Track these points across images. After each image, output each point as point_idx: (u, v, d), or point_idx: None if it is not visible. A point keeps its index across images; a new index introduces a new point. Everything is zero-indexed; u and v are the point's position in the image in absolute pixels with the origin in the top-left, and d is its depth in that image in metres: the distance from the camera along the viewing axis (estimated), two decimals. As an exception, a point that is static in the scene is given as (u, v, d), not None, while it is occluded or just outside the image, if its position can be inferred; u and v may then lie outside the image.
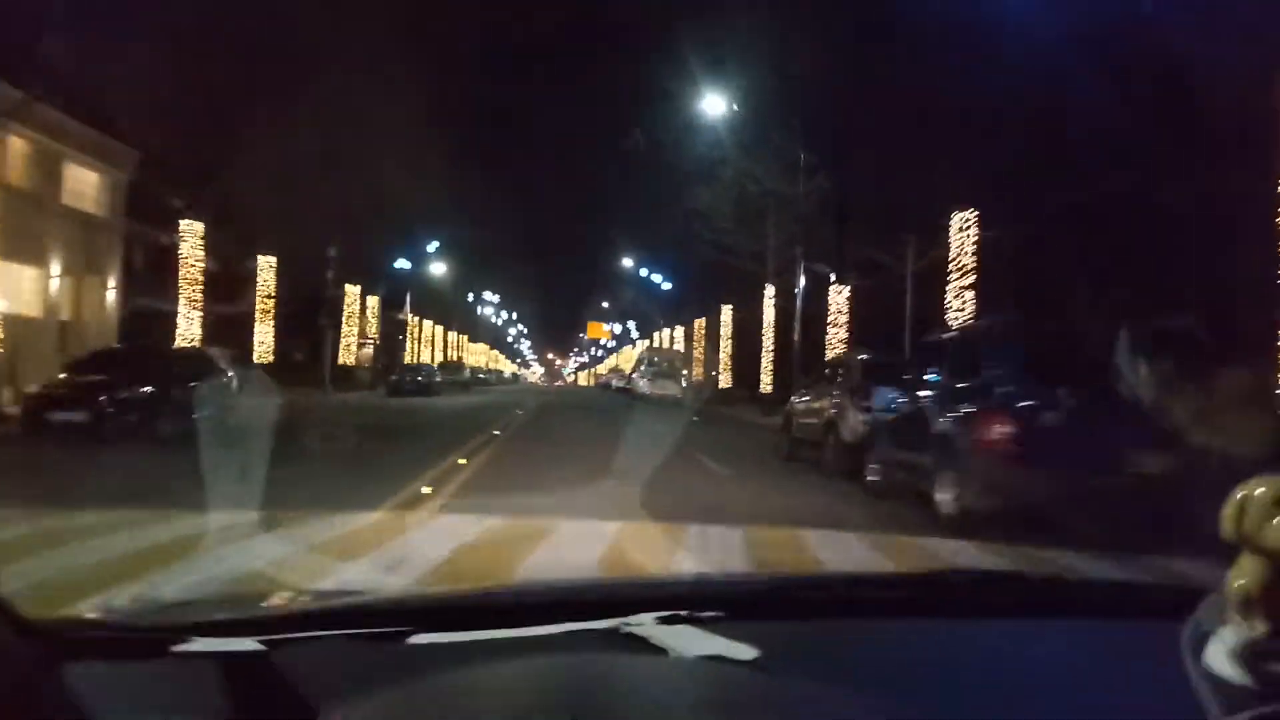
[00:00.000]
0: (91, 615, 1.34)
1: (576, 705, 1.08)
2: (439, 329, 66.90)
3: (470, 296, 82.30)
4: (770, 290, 30.38)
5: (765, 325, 30.94)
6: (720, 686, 1.14)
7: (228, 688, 1.10)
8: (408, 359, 51.74)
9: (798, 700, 1.11)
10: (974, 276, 18.03)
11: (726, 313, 40.06)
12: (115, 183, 29.88)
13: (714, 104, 26.71)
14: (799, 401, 14.71)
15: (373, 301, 44.38)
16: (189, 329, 25.80)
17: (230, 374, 17.11)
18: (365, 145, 35.18)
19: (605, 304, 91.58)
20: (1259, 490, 0.84)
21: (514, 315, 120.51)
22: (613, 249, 66.15)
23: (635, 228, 56.80)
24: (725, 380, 40.00)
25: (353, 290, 40.03)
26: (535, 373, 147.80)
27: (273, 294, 29.05)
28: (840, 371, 13.27)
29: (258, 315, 29.12)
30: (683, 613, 1.30)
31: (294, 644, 1.19)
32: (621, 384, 57.68)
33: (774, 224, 28.78)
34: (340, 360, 39.41)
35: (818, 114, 24.84)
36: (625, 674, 1.19)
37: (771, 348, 31.02)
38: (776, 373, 31.09)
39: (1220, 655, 0.88)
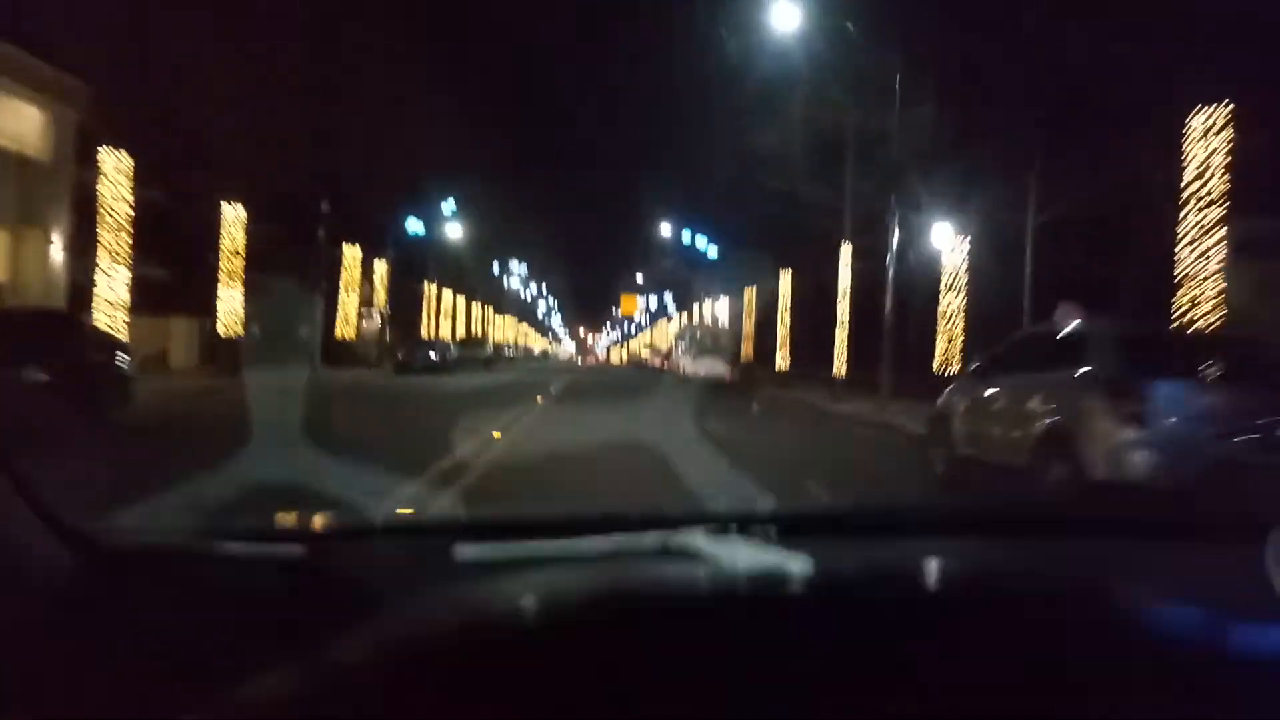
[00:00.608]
0: (138, 523, 1.39)
1: (624, 609, 1.05)
2: (461, 300, 61.38)
3: (496, 268, 76.86)
4: (847, 250, 24.82)
5: (841, 293, 25.40)
6: (770, 596, 1.12)
7: (272, 591, 1.12)
8: (425, 333, 46.54)
9: (850, 612, 1.05)
10: (1226, 207, 11.90)
11: (785, 281, 34.47)
12: (61, 120, 24.91)
13: (786, 16, 21.17)
14: (966, 396, 9.31)
15: (380, 267, 38.91)
16: (111, 291, 20.58)
17: (119, 351, 12.03)
18: (367, 92, 30.35)
19: (640, 276, 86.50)
20: None
21: (543, 287, 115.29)
22: (651, 210, 61.06)
23: (676, 186, 51.75)
24: (782, 359, 34.56)
25: (353, 253, 34.58)
26: (567, 349, 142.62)
27: (240, 251, 23.72)
28: (1060, 350, 7.81)
29: (221, 278, 23.78)
30: (731, 525, 1.31)
31: (339, 550, 1.20)
32: (658, 362, 52.64)
33: (855, 168, 23.23)
34: (340, 334, 34.29)
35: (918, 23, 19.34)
36: (674, 582, 1.17)
37: (847, 320, 25.52)
38: (853, 351, 25.65)
39: None
